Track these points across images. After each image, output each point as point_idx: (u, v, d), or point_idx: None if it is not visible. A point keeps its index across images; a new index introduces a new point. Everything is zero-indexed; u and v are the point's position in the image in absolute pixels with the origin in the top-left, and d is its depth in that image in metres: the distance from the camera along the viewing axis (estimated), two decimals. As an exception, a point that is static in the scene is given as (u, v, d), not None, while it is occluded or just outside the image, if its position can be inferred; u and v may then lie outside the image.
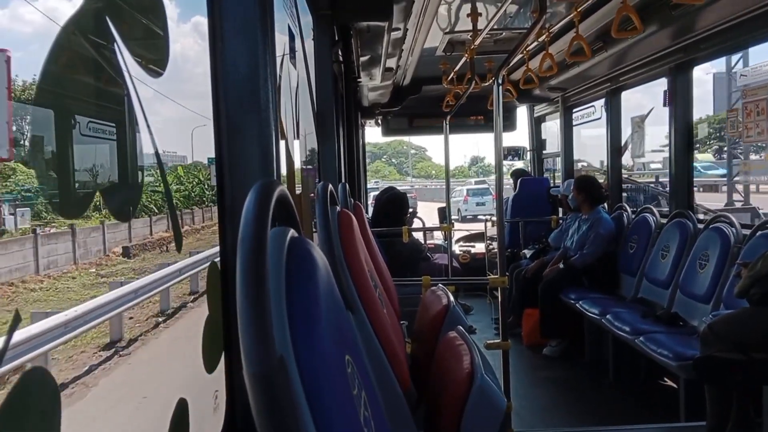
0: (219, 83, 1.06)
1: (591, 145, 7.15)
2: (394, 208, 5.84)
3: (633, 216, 5.10)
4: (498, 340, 3.00)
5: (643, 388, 4.13)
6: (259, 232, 0.74)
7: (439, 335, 2.07)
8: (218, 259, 1.06)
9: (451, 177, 8.32)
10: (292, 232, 0.90)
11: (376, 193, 6.97)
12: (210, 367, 0.99)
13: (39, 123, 0.73)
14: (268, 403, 0.66)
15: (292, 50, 2.44)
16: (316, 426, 0.71)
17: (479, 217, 14.90)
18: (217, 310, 1.00)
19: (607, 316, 4.07)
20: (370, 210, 6.65)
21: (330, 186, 1.77)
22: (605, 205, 5.52)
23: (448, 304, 2.23)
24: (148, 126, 0.88)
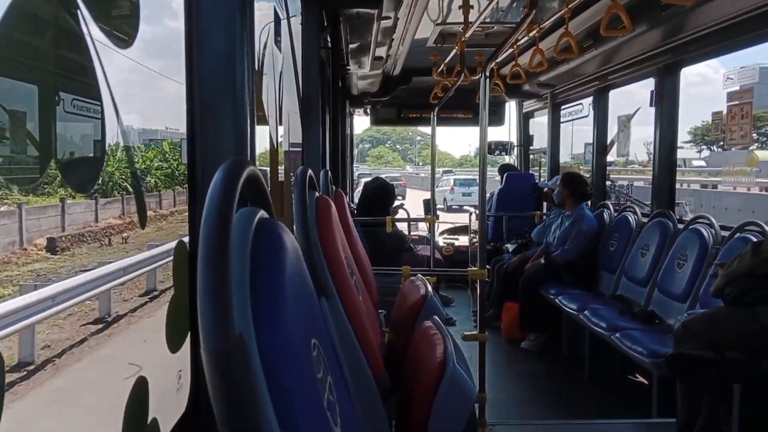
0: (194, 60, 1.04)
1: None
2: (380, 198, 5.83)
3: (615, 214, 5.14)
4: (475, 332, 3.02)
5: (618, 383, 4.18)
6: (223, 209, 0.73)
7: (415, 325, 2.08)
8: (186, 238, 1.05)
9: (458, 166, 8.32)
10: (261, 213, 0.89)
11: (368, 179, 6.93)
12: (174, 346, 0.98)
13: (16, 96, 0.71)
14: (225, 380, 0.65)
15: (278, 33, 2.41)
16: (274, 405, 0.71)
17: (465, 207, 14.91)
18: (183, 290, 0.99)
19: (585, 312, 4.11)
20: (357, 198, 6.64)
21: (310, 171, 1.76)
22: (589, 202, 5.55)
23: (426, 294, 2.23)
24: (113, 100, 0.86)
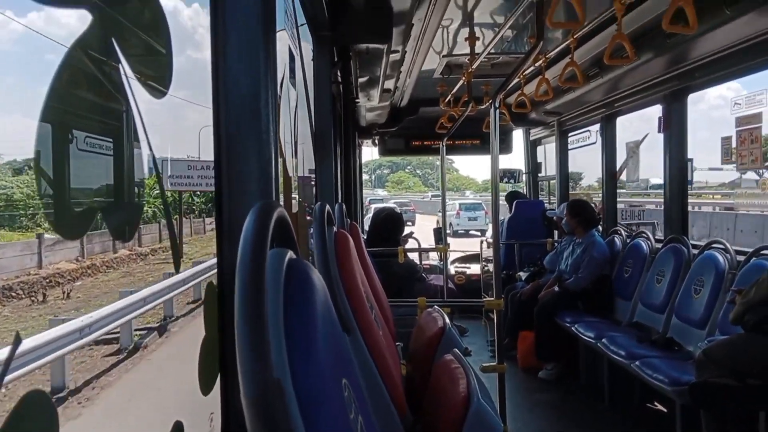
0: (220, 103, 1.06)
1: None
2: (390, 228, 5.83)
3: (628, 240, 5.11)
4: (494, 363, 2.98)
5: (639, 412, 4.10)
6: (258, 254, 0.74)
7: (434, 357, 2.06)
8: (215, 278, 1.05)
9: (484, 191, 8.29)
10: (290, 254, 0.90)
11: (378, 206, 6.93)
12: (206, 388, 0.98)
13: (42, 141, 0.73)
14: (265, 426, 0.65)
15: (292, 70, 2.46)
16: (312, 451, 0.70)
17: (471, 232, 14.83)
18: (214, 331, 0.99)
19: (603, 340, 4.06)
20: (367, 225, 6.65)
21: (327, 207, 1.78)
22: (599, 228, 5.54)
23: (444, 326, 2.22)
24: (149, 143, 0.88)
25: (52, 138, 0.76)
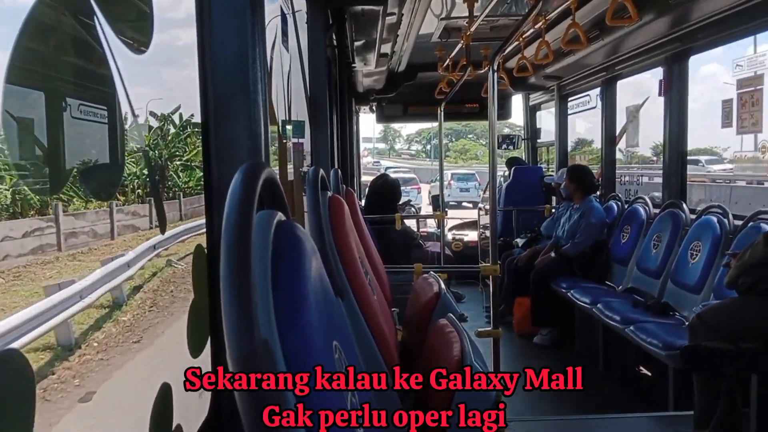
0: (207, 64, 1.04)
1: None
2: (387, 195, 5.82)
3: (626, 206, 5.11)
4: (489, 328, 3.01)
5: (632, 376, 4.16)
6: (244, 214, 0.73)
7: (429, 322, 2.07)
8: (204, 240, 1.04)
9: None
10: (279, 215, 0.88)
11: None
12: (195, 351, 0.98)
13: (14, 101, 0.71)
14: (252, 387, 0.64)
15: (285, 33, 2.41)
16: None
17: (463, 203, 14.67)
18: (203, 294, 0.98)
19: (598, 305, 4.09)
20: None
21: (321, 171, 1.76)
22: (597, 194, 5.53)
23: (439, 292, 2.23)
24: (131, 105, 0.86)
25: (45, 105, 0.74)
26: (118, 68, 0.79)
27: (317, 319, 0.83)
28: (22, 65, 0.68)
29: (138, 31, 0.94)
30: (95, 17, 0.73)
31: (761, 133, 3.90)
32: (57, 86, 0.79)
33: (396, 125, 47.98)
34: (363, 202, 5.95)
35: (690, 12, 3.69)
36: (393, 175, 8.54)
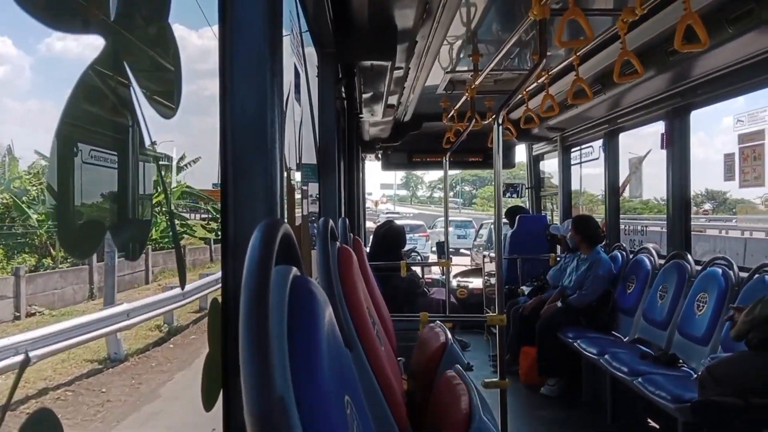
0: (227, 123, 1.08)
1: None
2: (392, 242, 5.84)
3: (631, 256, 5.11)
4: (496, 379, 2.98)
5: (642, 429, 4.07)
6: (263, 271, 0.75)
7: (436, 373, 2.06)
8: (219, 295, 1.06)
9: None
10: (294, 271, 0.91)
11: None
12: (209, 404, 0.99)
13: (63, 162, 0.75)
14: (268, 445, 0.66)
15: (297, 87, 2.49)
16: (314, 469, 0.71)
17: (461, 250, 14.63)
18: (218, 347, 1.00)
19: (605, 356, 4.05)
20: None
21: (330, 222, 1.79)
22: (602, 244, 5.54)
23: (446, 342, 2.22)
24: (157, 162, 0.90)
25: (57, 152, 0.77)
26: (148, 129, 0.84)
27: (330, 374, 0.84)
28: (69, 122, 0.72)
29: (169, 97, 1.00)
30: (131, 87, 0.78)
31: (763, 187, 3.91)
32: (78, 136, 0.83)
33: (418, 172, 48.13)
34: (368, 249, 5.97)
35: (690, 68, 3.78)
36: (400, 222, 8.56)
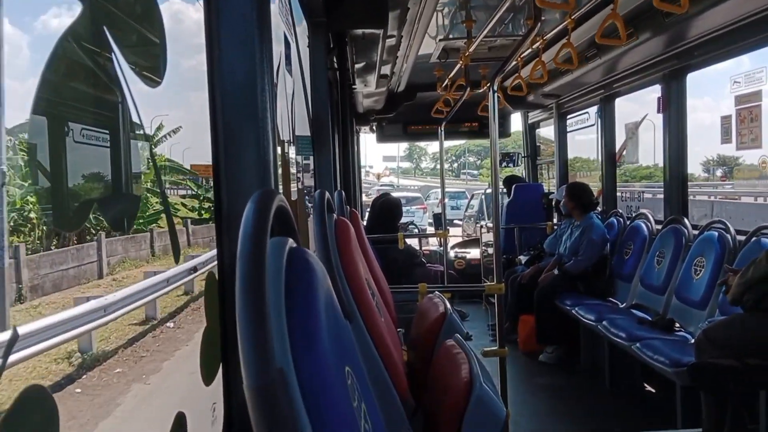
0: (216, 92, 1.05)
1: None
2: (389, 214, 5.83)
3: (628, 222, 5.12)
4: (495, 348, 2.99)
5: (640, 394, 4.13)
6: (258, 243, 0.73)
7: (436, 343, 2.07)
8: (215, 268, 1.05)
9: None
10: (290, 242, 0.89)
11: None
12: (208, 378, 0.98)
13: (36, 133, 0.72)
14: (268, 417, 0.65)
15: (288, 57, 2.44)
16: (317, 440, 0.70)
17: (455, 221, 14.64)
18: (215, 321, 0.99)
19: (603, 323, 4.07)
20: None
21: (327, 194, 1.77)
22: (599, 210, 5.55)
23: (445, 312, 2.22)
24: (146, 135, 0.87)
25: (48, 131, 0.75)
26: (132, 96, 0.81)
27: (330, 345, 0.83)
28: (44, 96, 0.70)
29: (149, 60, 0.96)
30: (113, 53, 0.75)
31: (761, 149, 3.89)
32: (65, 114, 0.81)
33: (421, 143, 47.59)
34: (365, 222, 5.96)
35: (686, 30, 3.73)
36: (396, 194, 8.53)
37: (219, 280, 1.02)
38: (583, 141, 6.82)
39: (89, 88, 0.79)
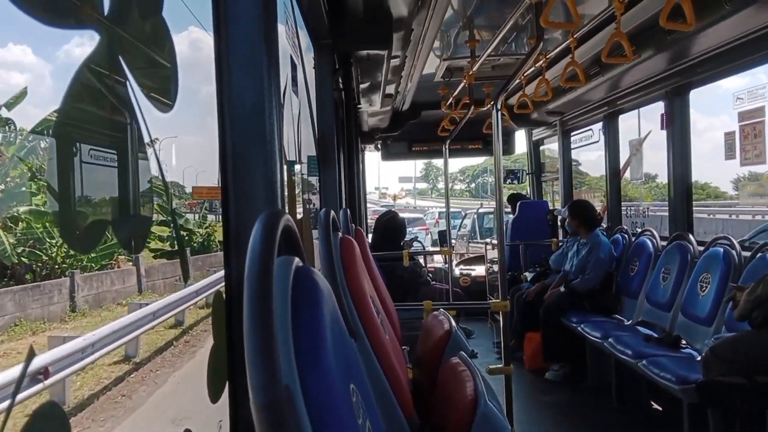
0: (225, 115, 1.08)
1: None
2: (393, 232, 5.85)
3: (633, 239, 5.11)
4: (500, 365, 2.99)
5: (647, 412, 4.09)
6: (265, 262, 0.75)
7: (441, 360, 2.07)
8: (223, 287, 1.07)
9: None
10: (297, 261, 0.91)
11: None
12: (215, 396, 1.00)
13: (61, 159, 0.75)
14: (275, 433, 0.66)
15: (294, 79, 2.48)
16: (322, 457, 0.71)
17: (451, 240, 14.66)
18: (222, 339, 1.00)
19: (609, 340, 4.06)
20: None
21: (332, 212, 1.79)
22: (604, 226, 5.55)
23: (450, 329, 2.23)
24: (158, 159, 0.90)
25: (56, 151, 0.78)
26: (146, 123, 0.84)
27: (335, 362, 0.85)
28: (65, 121, 0.72)
29: (165, 91, 1.00)
30: (128, 81, 0.78)
31: (765, 164, 3.90)
32: (76, 135, 0.84)
33: (438, 162, 46.96)
34: (370, 239, 5.98)
35: (688, 47, 3.76)
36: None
37: (226, 298, 1.04)
38: (596, 157, 6.77)
39: (103, 112, 0.82)
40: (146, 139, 0.87)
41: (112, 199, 0.93)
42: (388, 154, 7.95)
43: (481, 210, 15.96)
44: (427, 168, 62.91)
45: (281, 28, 2.28)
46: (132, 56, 0.87)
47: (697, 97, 4.45)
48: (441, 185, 65.16)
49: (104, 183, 0.91)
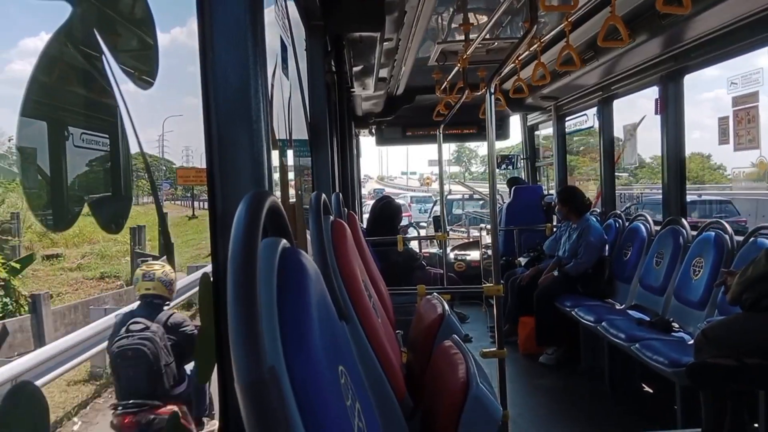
0: (209, 94, 1.06)
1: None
2: (388, 217, 5.84)
3: (627, 223, 5.12)
4: (494, 349, 3.00)
5: (639, 394, 4.13)
6: (249, 243, 0.74)
7: (434, 344, 2.07)
8: (210, 269, 1.06)
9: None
10: (283, 243, 0.90)
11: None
12: (203, 377, 0.99)
13: (27, 134, 0.73)
14: (260, 414, 0.65)
15: (285, 60, 2.45)
16: (308, 436, 0.71)
17: (421, 223, 14.77)
18: (210, 321, 0.99)
19: (603, 324, 4.08)
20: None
21: (323, 196, 1.78)
22: (597, 210, 5.56)
23: (443, 313, 2.23)
24: (137, 136, 0.88)
25: (48, 134, 0.76)
26: (123, 99, 0.82)
27: (322, 344, 0.84)
28: (35, 98, 0.70)
29: (141, 61, 0.97)
30: (103, 54, 0.75)
31: (758, 149, 3.90)
32: (61, 116, 0.82)
33: (471, 145, 45.39)
34: (365, 225, 5.97)
35: (683, 32, 3.74)
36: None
37: (214, 280, 1.03)
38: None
39: (83, 91, 0.80)
40: (126, 119, 0.85)
41: (97, 182, 0.92)
42: (383, 139, 7.91)
43: (449, 196, 15.88)
44: (459, 150, 59.89)
45: (271, 9, 2.25)
46: (110, 33, 0.85)
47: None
48: (474, 168, 62.74)
49: (81, 163, 0.89)
